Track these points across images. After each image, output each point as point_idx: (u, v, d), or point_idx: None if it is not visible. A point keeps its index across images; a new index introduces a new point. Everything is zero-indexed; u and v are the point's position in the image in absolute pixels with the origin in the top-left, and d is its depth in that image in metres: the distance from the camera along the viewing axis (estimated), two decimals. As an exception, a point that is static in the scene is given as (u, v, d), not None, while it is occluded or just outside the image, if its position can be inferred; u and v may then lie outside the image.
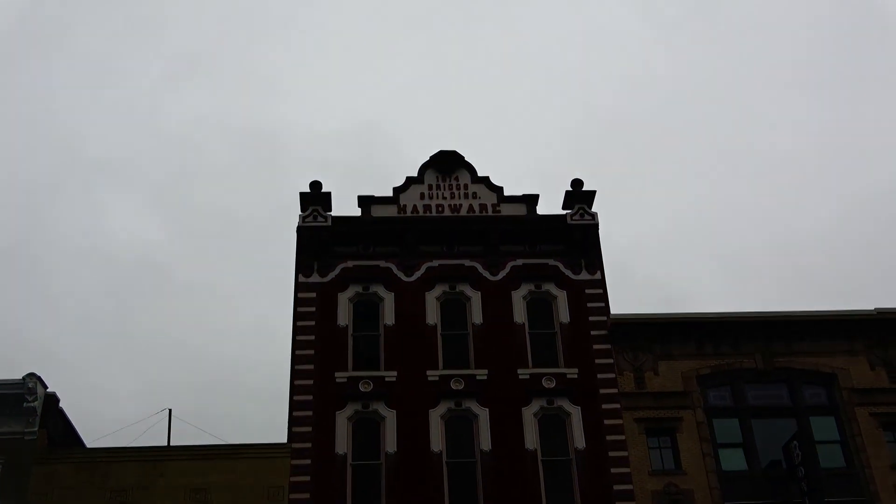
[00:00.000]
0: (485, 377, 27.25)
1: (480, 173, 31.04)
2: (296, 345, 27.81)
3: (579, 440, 26.40)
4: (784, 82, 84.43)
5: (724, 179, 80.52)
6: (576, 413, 26.82)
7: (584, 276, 29.36)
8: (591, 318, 28.58)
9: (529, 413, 26.77)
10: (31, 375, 25.94)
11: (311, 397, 26.69)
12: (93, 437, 29.36)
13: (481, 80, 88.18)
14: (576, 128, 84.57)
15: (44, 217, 74.03)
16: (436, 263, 29.26)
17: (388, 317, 28.29)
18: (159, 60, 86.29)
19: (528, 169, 76.81)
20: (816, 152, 79.90)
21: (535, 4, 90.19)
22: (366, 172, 77.53)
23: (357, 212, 30.13)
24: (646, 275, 62.08)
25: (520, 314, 28.56)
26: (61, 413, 27.17)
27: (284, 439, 26.77)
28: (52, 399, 26.45)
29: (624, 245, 64.26)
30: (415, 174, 30.90)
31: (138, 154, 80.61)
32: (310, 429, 26.15)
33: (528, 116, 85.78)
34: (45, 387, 26.28)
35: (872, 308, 29.05)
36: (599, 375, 27.55)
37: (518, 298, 28.84)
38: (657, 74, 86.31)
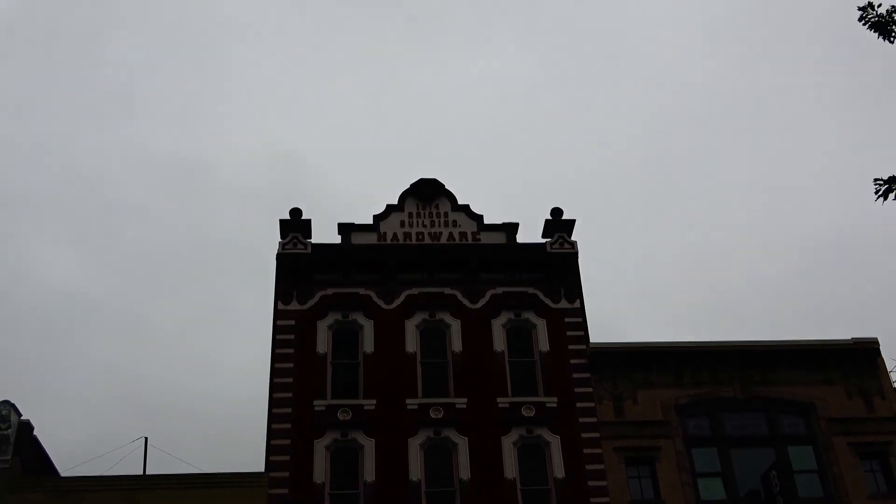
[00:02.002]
0: (464, 406, 27.17)
1: (461, 201, 31.14)
2: (274, 373, 27.64)
3: (559, 469, 26.32)
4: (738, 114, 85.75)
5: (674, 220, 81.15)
6: (555, 442, 26.76)
7: (564, 304, 29.41)
8: (570, 347, 28.60)
9: (509, 442, 26.69)
10: (6, 403, 25.62)
11: (289, 426, 26.51)
12: (67, 465, 29.04)
13: (444, 105, 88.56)
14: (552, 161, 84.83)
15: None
16: (416, 291, 29.23)
17: (368, 345, 28.20)
18: (78, 95, 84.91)
19: (506, 198, 77.02)
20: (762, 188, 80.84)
21: (509, 32, 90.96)
22: (303, 203, 76.98)
23: (337, 239, 30.12)
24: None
25: (499, 342, 28.55)
26: (35, 441, 26.83)
27: (262, 468, 26.55)
28: (27, 427, 26.10)
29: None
30: (394, 202, 30.95)
31: (58, 190, 79.08)
32: (287, 457, 25.93)
33: (503, 146, 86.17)
34: (20, 414, 25.94)
35: (849, 338, 29.28)
36: (579, 404, 27.53)
37: (498, 327, 28.84)
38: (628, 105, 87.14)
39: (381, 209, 30.69)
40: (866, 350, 29.04)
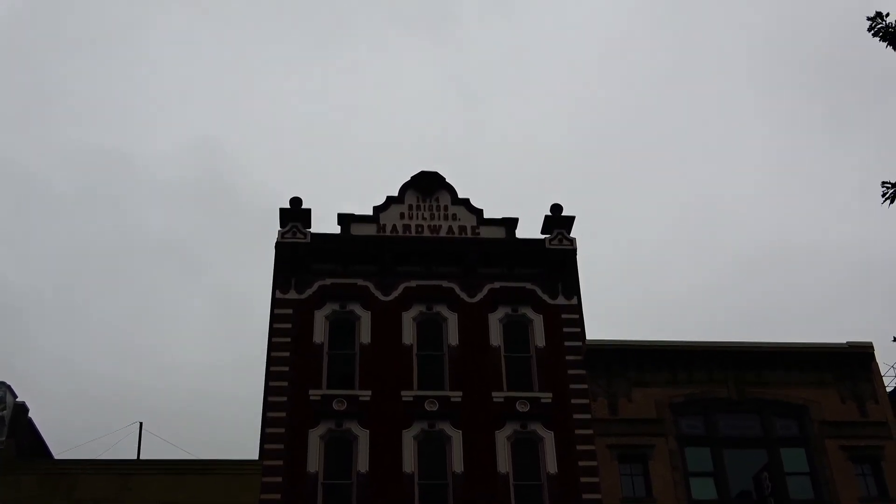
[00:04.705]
0: (459, 399, 27.22)
1: (461, 195, 31.16)
2: (270, 361, 27.69)
3: (552, 465, 26.40)
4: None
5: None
6: (549, 438, 26.83)
7: (561, 300, 29.46)
8: (566, 343, 28.65)
9: (503, 436, 26.76)
10: (1, 384, 25.61)
11: (284, 414, 26.55)
12: (61, 448, 29.05)
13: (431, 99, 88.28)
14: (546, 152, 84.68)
15: None
16: (413, 284, 29.26)
17: (365, 335, 28.23)
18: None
19: (507, 192, 76.99)
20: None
21: (503, 13, 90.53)
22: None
23: (336, 229, 30.13)
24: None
25: (496, 337, 28.59)
26: (30, 423, 26.83)
27: (256, 456, 26.60)
28: (22, 409, 26.11)
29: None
30: (394, 194, 30.97)
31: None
32: (282, 446, 25.99)
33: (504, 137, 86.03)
34: (15, 396, 25.95)
35: (844, 342, 29.38)
36: (573, 400, 27.59)
37: (494, 321, 28.88)
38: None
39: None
40: (861, 354, 29.12)
